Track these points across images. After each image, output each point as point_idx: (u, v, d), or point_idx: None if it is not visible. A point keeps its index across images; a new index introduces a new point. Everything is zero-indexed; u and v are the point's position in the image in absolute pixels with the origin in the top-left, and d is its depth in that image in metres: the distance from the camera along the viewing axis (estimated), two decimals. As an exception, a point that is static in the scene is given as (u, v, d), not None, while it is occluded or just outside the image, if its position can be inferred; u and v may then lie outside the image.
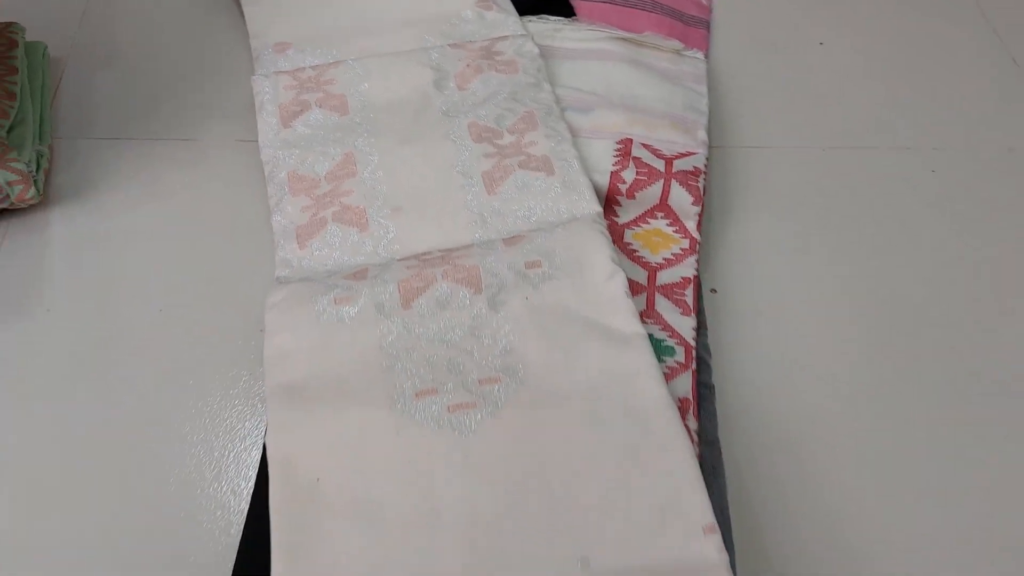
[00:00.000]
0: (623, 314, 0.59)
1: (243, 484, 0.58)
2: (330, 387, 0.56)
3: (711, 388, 0.62)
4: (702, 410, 0.59)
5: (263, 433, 0.60)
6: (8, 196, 0.67)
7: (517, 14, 0.84)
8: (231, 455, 0.60)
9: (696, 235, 0.69)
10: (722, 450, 0.60)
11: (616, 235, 0.68)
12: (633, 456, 0.52)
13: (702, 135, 0.76)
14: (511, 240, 0.65)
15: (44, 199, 0.71)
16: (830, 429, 0.63)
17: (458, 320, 0.60)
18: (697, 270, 0.67)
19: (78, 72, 0.82)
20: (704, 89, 0.81)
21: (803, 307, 0.70)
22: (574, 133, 0.74)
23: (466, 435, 0.54)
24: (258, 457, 0.59)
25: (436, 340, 0.59)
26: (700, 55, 0.84)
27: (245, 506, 0.57)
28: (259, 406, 0.62)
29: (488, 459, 0.53)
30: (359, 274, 0.63)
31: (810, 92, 0.87)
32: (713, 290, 0.70)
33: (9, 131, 0.70)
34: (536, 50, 0.79)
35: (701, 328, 0.64)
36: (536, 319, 0.59)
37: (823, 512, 0.59)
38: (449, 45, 0.79)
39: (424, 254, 0.65)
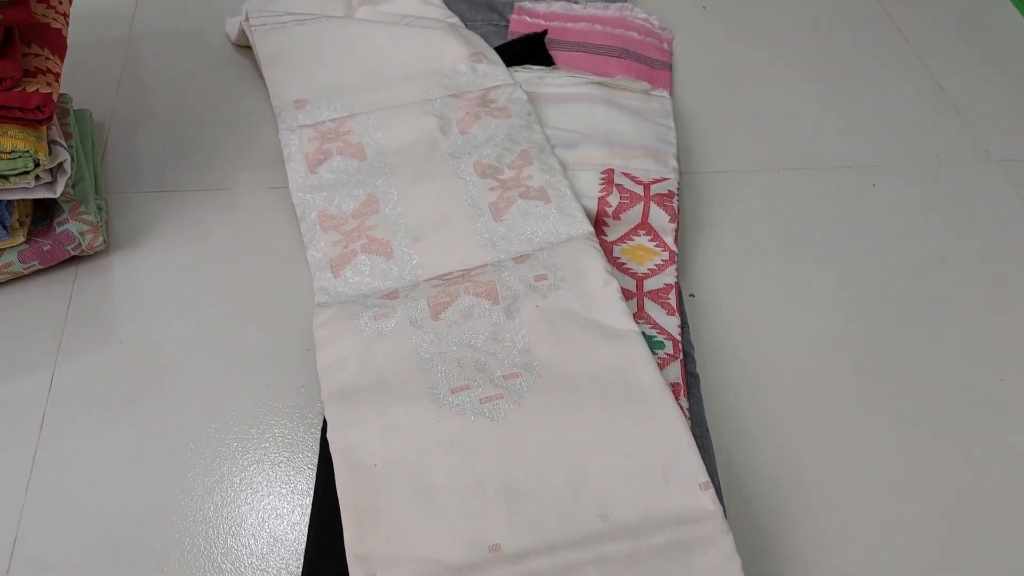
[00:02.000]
0: (619, 315, 0.70)
1: (302, 479, 0.68)
2: (377, 388, 0.67)
3: (696, 376, 0.73)
4: (691, 394, 0.70)
5: (317, 433, 0.70)
6: (80, 244, 0.76)
7: (505, 65, 0.95)
8: (290, 452, 0.69)
9: (674, 248, 0.81)
10: (708, 428, 0.71)
11: (607, 250, 0.80)
12: (637, 429, 0.63)
13: (673, 162, 0.88)
14: (520, 258, 0.76)
15: (106, 245, 0.81)
16: (797, 406, 0.74)
17: (481, 327, 0.70)
18: (677, 277, 0.79)
19: (121, 133, 0.92)
20: (671, 123, 0.93)
21: (768, 305, 0.82)
22: (564, 166, 0.85)
23: (497, 421, 0.64)
24: (314, 460, 0.69)
25: (464, 345, 0.69)
26: (665, 94, 0.97)
27: (308, 498, 0.67)
28: (309, 411, 0.72)
29: (518, 439, 0.63)
30: (391, 295, 0.74)
31: (762, 120, 1.00)
32: (692, 295, 0.82)
33: (72, 188, 0.79)
34: (525, 97, 0.91)
35: (684, 326, 0.76)
36: (547, 322, 0.70)
37: (796, 478, 0.70)
38: (449, 96, 0.91)
39: (446, 275, 0.76)
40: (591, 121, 0.90)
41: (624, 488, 0.61)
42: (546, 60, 1.00)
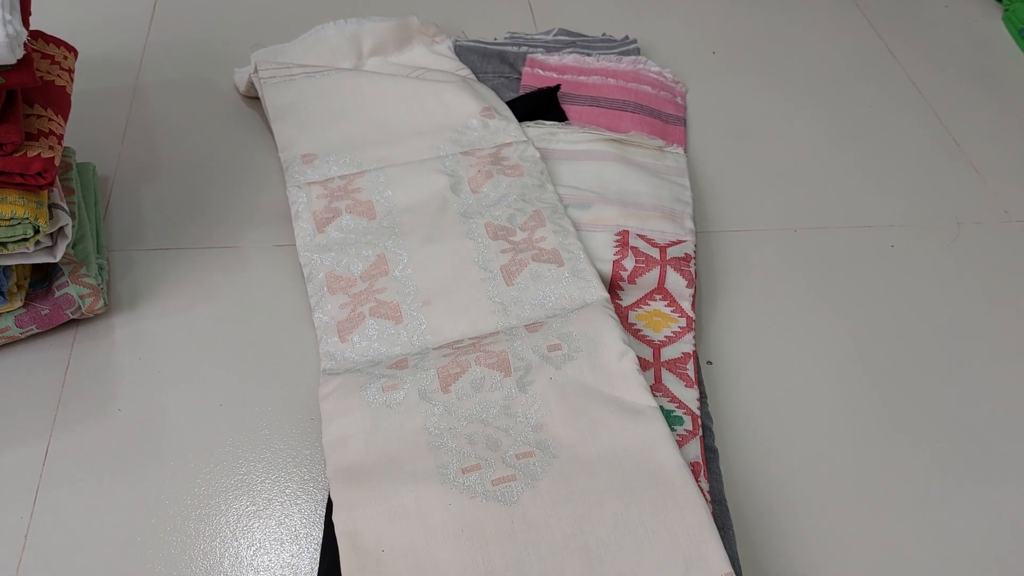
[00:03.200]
0: (636, 389, 0.68)
1: (307, 557, 0.65)
2: (385, 467, 0.64)
3: (715, 451, 0.71)
4: (710, 471, 0.68)
5: (323, 511, 0.67)
6: (80, 308, 0.74)
7: (516, 120, 0.94)
8: (297, 530, 0.67)
9: (691, 314, 0.78)
10: (728, 507, 0.68)
11: (622, 316, 0.77)
12: (657, 516, 0.60)
13: (689, 224, 0.86)
14: (532, 326, 0.74)
15: (107, 307, 0.78)
16: (818, 478, 0.72)
17: (492, 400, 0.68)
18: (695, 345, 0.77)
19: (125, 188, 0.90)
20: (686, 182, 0.91)
21: (786, 371, 0.79)
22: (577, 227, 0.83)
23: (510, 505, 0.61)
24: (318, 538, 0.66)
25: (474, 419, 0.67)
26: (680, 151, 0.95)
27: (311, 578, 0.64)
28: (317, 483, 0.69)
29: (532, 525, 0.60)
30: (400, 363, 0.71)
31: (779, 178, 0.98)
32: (709, 362, 0.79)
33: (73, 247, 0.77)
34: (537, 154, 0.90)
35: (703, 398, 0.73)
36: (561, 397, 0.68)
37: (820, 558, 0.67)
38: (460, 152, 0.89)
39: (456, 342, 0.73)
40: (605, 180, 0.89)
41: None
42: (559, 115, 0.98)
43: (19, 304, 0.71)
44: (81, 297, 0.74)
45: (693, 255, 0.82)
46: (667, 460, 0.63)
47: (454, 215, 0.84)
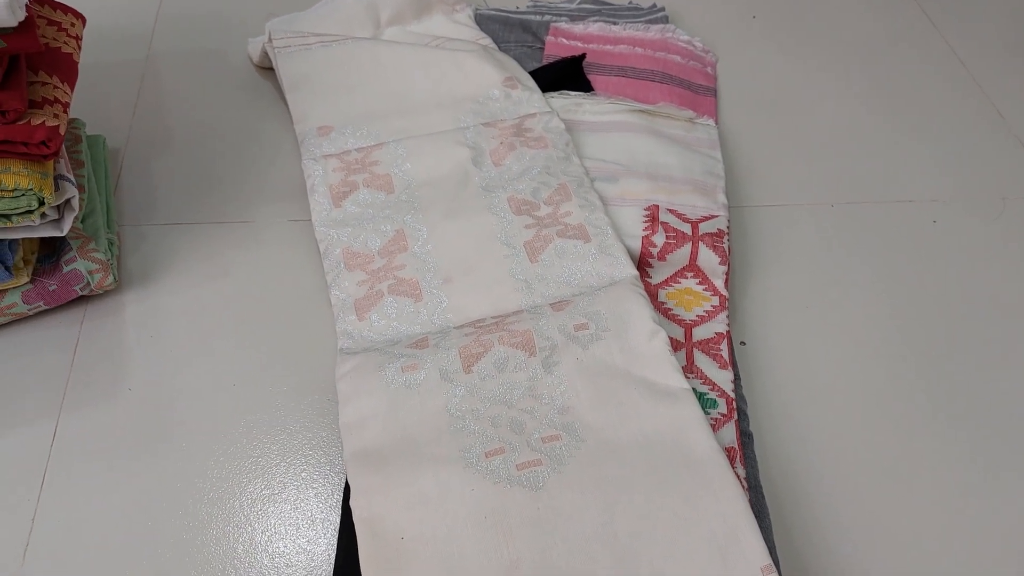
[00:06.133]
0: (668, 371, 0.64)
1: (324, 544, 0.63)
2: (405, 450, 0.61)
3: (750, 436, 0.67)
4: (746, 457, 0.64)
5: (339, 495, 0.65)
6: (89, 284, 0.72)
7: (540, 91, 0.90)
8: (314, 516, 0.64)
9: (724, 292, 0.75)
10: (764, 493, 0.65)
11: (651, 294, 0.74)
12: (691, 504, 0.57)
13: (721, 198, 0.82)
14: (558, 305, 0.70)
15: (117, 284, 0.76)
16: (861, 468, 0.68)
17: (516, 381, 0.65)
18: (728, 325, 0.73)
19: (136, 161, 0.87)
20: (718, 154, 0.87)
21: (823, 352, 0.76)
22: (604, 202, 0.80)
23: (536, 491, 0.58)
24: (338, 518, 0.64)
25: (498, 401, 0.64)
26: (711, 122, 0.91)
27: (329, 566, 0.61)
28: (335, 468, 0.67)
29: (558, 513, 0.57)
30: (420, 343, 0.68)
31: (815, 150, 0.94)
32: (742, 343, 0.75)
33: (82, 222, 0.75)
34: (562, 126, 0.86)
35: (737, 380, 0.70)
36: (588, 378, 0.64)
37: (862, 548, 0.64)
38: (482, 124, 0.86)
39: (478, 321, 0.70)
40: (633, 152, 0.85)
41: (676, 572, 0.55)
42: (584, 85, 0.94)
43: (26, 280, 0.69)
44: (90, 273, 0.71)
45: (726, 231, 0.78)
46: (701, 445, 0.60)
47: (475, 189, 0.80)
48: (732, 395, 0.67)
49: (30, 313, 0.72)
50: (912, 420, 0.71)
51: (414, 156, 0.83)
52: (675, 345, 0.69)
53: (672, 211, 0.79)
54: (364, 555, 0.56)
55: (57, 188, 0.65)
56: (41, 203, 0.64)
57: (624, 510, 0.57)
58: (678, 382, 0.64)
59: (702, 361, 0.69)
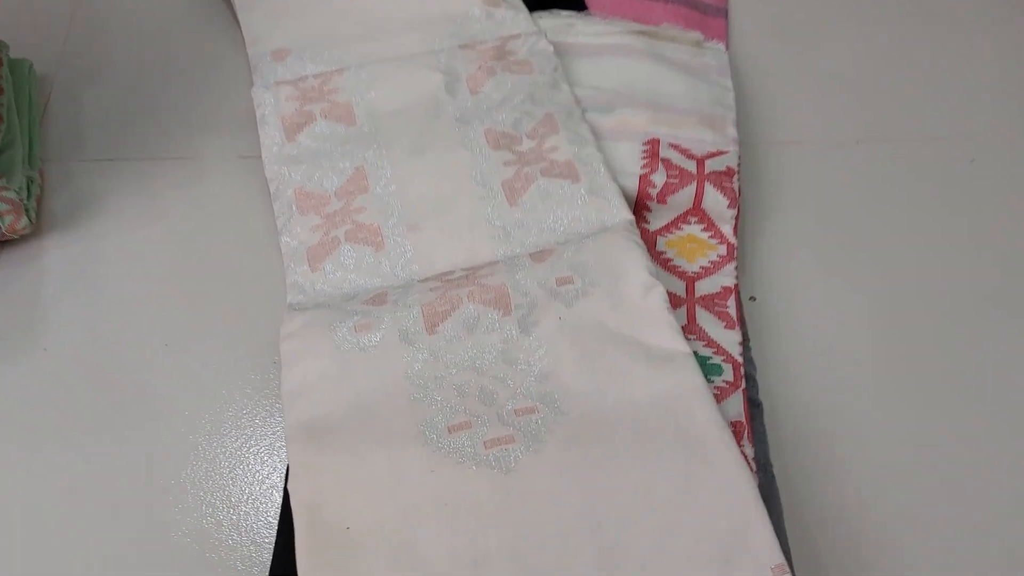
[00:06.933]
0: (665, 331, 0.55)
1: (265, 533, 0.54)
2: (355, 423, 0.52)
3: (759, 406, 0.58)
4: (755, 432, 0.55)
5: (283, 475, 0.56)
6: None
7: (527, 10, 0.79)
8: (249, 500, 0.56)
9: (733, 240, 0.65)
10: (774, 474, 0.56)
11: (648, 243, 0.64)
12: (690, 491, 0.48)
13: (732, 131, 0.71)
14: (539, 255, 0.61)
15: (37, 227, 0.67)
16: (888, 443, 0.59)
17: (488, 344, 0.56)
18: (737, 278, 0.63)
19: (66, 90, 0.77)
20: (729, 82, 0.76)
21: (844, 308, 0.66)
22: (597, 136, 0.69)
23: (506, 473, 0.50)
24: (279, 502, 0.55)
25: (466, 367, 0.55)
26: (721, 46, 0.80)
27: (268, 557, 0.53)
28: (277, 444, 0.58)
29: (533, 500, 0.49)
30: (378, 298, 0.59)
31: (837, 82, 0.83)
32: (752, 298, 0.66)
33: None
34: (551, 48, 0.75)
35: (746, 341, 0.61)
36: (571, 341, 0.55)
37: (887, 539, 0.55)
38: (458, 47, 0.75)
39: (446, 274, 0.61)
40: (631, 79, 0.74)
41: (675, 572, 0.46)
42: (577, 3, 0.83)
43: None
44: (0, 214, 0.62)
45: (736, 169, 0.68)
46: (702, 418, 0.51)
47: (448, 120, 0.70)
48: (739, 359, 0.58)
49: (-71, 262, 0.63)
50: (942, 386, 0.62)
51: (379, 83, 0.72)
52: (675, 301, 0.60)
53: (675, 146, 0.69)
54: (301, 547, 0.48)
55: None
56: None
57: (610, 497, 0.48)
58: (677, 344, 0.55)
59: (705, 320, 0.60)
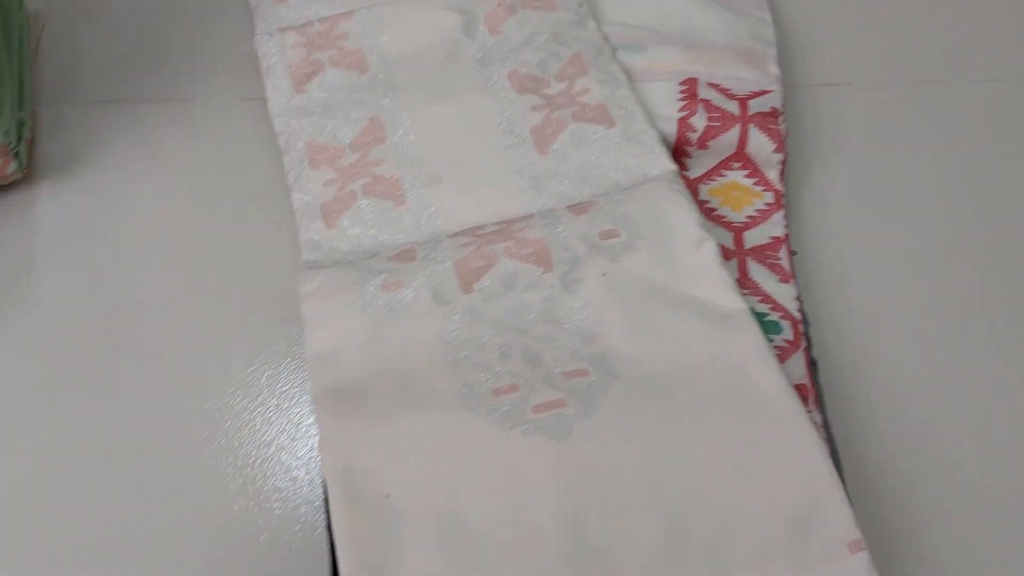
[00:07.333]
0: (720, 287, 0.51)
1: (272, 496, 0.51)
2: (390, 387, 0.48)
3: (815, 363, 0.54)
4: (820, 398, 0.51)
5: (290, 438, 0.52)
6: None
7: (550, -59, 0.73)
8: (256, 464, 0.52)
9: (780, 187, 0.61)
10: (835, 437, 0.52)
11: (690, 191, 0.59)
12: (758, 460, 0.44)
13: (774, 69, 0.66)
14: (578, 207, 0.56)
15: (28, 174, 0.62)
16: (946, 403, 0.55)
17: (529, 303, 0.51)
18: (787, 228, 0.59)
19: (60, 28, 0.72)
20: (768, 15, 0.71)
21: (897, 263, 0.62)
22: (630, 76, 0.64)
23: (559, 439, 0.45)
24: (288, 464, 0.52)
25: (507, 327, 0.51)
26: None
27: (275, 521, 0.49)
28: (284, 405, 0.54)
29: (588, 467, 0.45)
30: (405, 254, 0.54)
31: (889, 18, 0.77)
32: (794, 251, 0.61)
33: None
34: (576, -18, 0.70)
35: (800, 296, 0.56)
36: (619, 298, 0.51)
37: (953, 503, 0.51)
38: (474, -18, 0.69)
39: (477, 228, 0.56)
40: (664, 14, 0.68)
41: (738, 546, 0.42)
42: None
43: None
44: None
45: (781, 109, 0.63)
46: (767, 382, 0.47)
47: (468, 63, 0.65)
48: (799, 316, 0.54)
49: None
50: (1011, 342, 0.58)
51: (391, 25, 0.67)
52: (725, 254, 0.55)
53: (714, 85, 0.64)
54: (338, 518, 0.44)
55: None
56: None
57: (673, 466, 0.44)
58: (734, 301, 0.50)
59: (758, 273, 0.56)
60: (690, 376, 0.48)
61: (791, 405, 0.46)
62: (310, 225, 0.58)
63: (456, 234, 0.56)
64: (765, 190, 0.60)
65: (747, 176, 0.61)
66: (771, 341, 0.51)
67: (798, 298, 0.55)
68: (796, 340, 0.52)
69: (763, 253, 0.57)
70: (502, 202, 0.58)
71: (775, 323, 0.53)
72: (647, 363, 0.48)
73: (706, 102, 0.62)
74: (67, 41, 0.72)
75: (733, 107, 0.62)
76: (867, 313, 0.59)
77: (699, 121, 0.62)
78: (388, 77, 0.65)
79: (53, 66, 0.70)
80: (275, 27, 0.68)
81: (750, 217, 0.59)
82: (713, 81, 0.64)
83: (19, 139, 0.61)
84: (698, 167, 0.62)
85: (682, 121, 0.62)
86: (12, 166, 0.60)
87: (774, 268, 0.56)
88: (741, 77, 0.65)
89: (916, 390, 0.56)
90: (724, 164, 0.61)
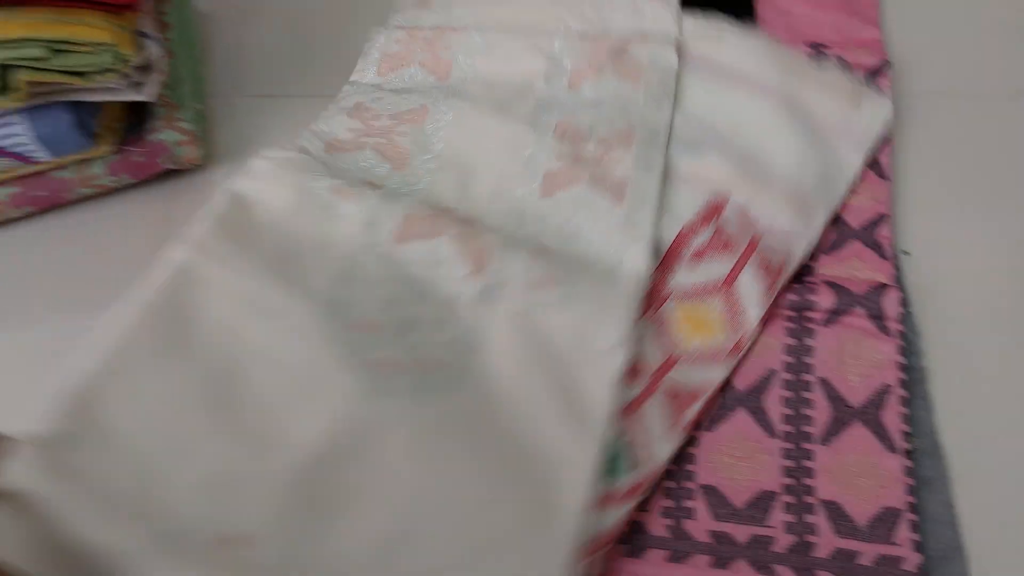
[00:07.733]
0: (598, 401, 0.52)
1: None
2: (278, 253, 0.56)
3: (922, 371, 0.57)
4: (915, 398, 0.55)
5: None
6: (174, 156, 0.68)
7: (678, 8, 0.71)
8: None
9: (744, 341, 0.58)
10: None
11: (660, 296, 0.59)
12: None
13: (819, 220, 0.62)
14: (539, 250, 0.59)
15: (205, 161, 0.70)
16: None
17: (442, 286, 0.56)
18: (728, 379, 0.57)
19: (228, 26, 0.80)
20: (856, 161, 0.65)
21: (1008, 277, 0.62)
22: (671, 174, 0.64)
23: (377, 385, 0.52)
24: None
25: (409, 290, 0.56)
26: (886, 97, 0.67)
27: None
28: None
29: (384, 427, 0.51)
30: (373, 184, 0.61)
31: (995, 28, 0.74)
32: (906, 252, 0.63)
33: (168, 90, 0.67)
34: (674, 64, 0.68)
35: (906, 304, 0.59)
36: (515, 339, 0.54)
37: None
38: (578, 36, 0.71)
39: (450, 209, 0.61)
40: (739, 121, 0.66)
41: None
42: (746, 14, 0.74)
43: (110, 148, 0.66)
44: (177, 144, 0.67)
45: (789, 269, 0.60)
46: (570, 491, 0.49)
47: (532, 101, 0.68)
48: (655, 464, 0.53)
49: (114, 186, 0.69)
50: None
51: (488, 52, 0.71)
52: (642, 371, 0.55)
53: (741, 211, 0.62)
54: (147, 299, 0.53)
55: (138, 46, 0.60)
56: (123, 60, 0.59)
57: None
58: (600, 412, 0.51)
59: (651, 413, 0.55)
60: (512, 444, 0.50)
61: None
62: (313, 140, 0.66)
63: (428, 202, 0.61)
64: (732, 334, 0.58)
65: (725, 312, 0.59)
66: (613, 476, 0.51)
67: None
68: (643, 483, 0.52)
69: (677, 398, 0.55)
70: (484, 209, 0.62)
71: (624, 463, 0.53)
72: (492, 406, 0.51)
73: (720, 228, 0.61)
74: (235, 39, 0.78)
75: (744, 237, 0.61)
76: (974, 315, 0.61)
77: (700, 240, 0.61)
78: (459, 88, 0.70)
79: (222, 62, 0.77)
80: (394, 24, 0.74)
81: (697, 351, 0.57)
82: (745, 207, 0.62)
83: (200, 127, 0.67)
84: (682, 278, 0.61)
85: (683, 233, 0.62)
86: (197, 151, 0.68)
87: (673, 416, 0.55)
88: (775, 215, 0.62)
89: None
90: (708, 291, 0.60)
